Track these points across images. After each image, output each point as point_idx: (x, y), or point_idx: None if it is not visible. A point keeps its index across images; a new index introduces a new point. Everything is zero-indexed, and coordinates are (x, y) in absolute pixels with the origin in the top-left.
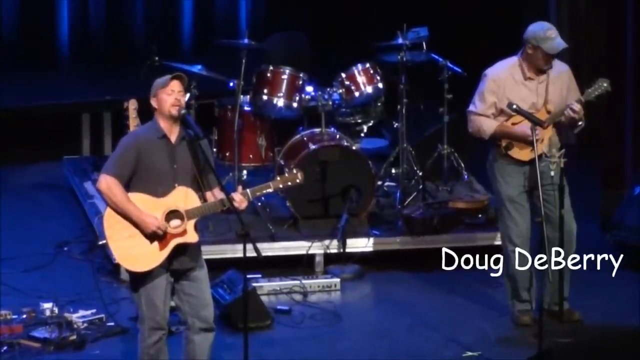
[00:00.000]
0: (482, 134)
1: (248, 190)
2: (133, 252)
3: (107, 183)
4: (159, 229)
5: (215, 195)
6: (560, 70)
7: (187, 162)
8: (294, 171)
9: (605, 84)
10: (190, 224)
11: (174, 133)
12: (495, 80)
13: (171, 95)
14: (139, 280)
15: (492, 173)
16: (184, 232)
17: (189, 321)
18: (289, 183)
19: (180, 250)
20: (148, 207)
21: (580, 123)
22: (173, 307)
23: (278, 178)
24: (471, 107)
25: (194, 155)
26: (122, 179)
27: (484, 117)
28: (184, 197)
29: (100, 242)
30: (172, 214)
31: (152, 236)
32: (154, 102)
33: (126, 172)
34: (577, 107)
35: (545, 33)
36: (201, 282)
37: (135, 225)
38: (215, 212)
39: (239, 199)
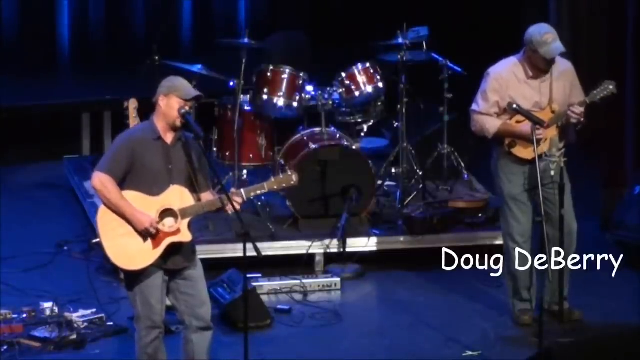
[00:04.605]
0: (486, 133)
1: (242, 190)
2: (126, 251)
3: (101, 180)
4: (151, 226)
5: (210, 196)
6: (564, 68)
7: (182, 163)
8: (289, 173)
9: (611, 87)
10: (184, 223)
11: (169, 135)
12: (498, 79)
13: (182, 108)
14: (134, 279)
15: (496, 171)
16: (177, 231)
17: (187, 321)
18: (284, 185)
19: (174, 249)
20: (142, 205)
21: (582, 120)
22: (170, 306)
23: (273, 179)
24: (474, 107)
25: (188, 156)
26: (116, 177)
27: (487, 116)
28: (179, 197)
29: (94, 241)
30: (166, 213)
31: (145, 234)
32: (162, 101)
33: (120, 171)
34: (579, 110)
35: (543, 37)
36: (197, 281)
37: (129, 222)
38: (210, 211)
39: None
